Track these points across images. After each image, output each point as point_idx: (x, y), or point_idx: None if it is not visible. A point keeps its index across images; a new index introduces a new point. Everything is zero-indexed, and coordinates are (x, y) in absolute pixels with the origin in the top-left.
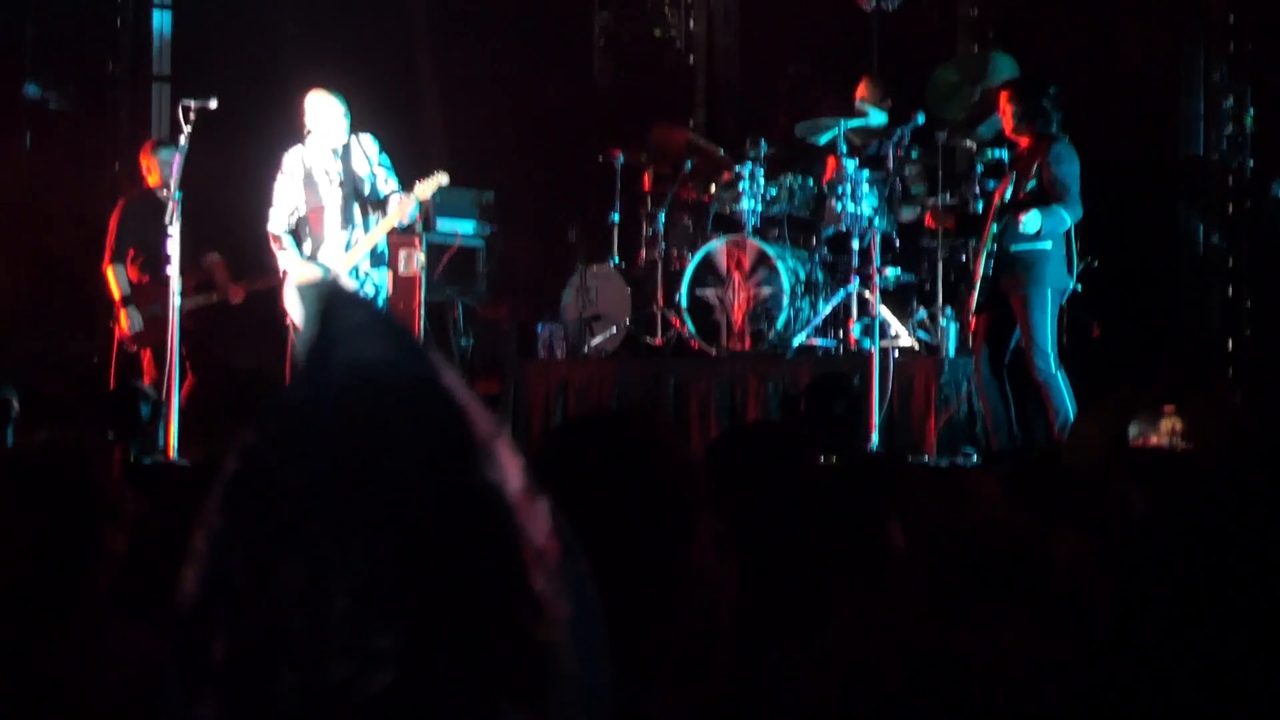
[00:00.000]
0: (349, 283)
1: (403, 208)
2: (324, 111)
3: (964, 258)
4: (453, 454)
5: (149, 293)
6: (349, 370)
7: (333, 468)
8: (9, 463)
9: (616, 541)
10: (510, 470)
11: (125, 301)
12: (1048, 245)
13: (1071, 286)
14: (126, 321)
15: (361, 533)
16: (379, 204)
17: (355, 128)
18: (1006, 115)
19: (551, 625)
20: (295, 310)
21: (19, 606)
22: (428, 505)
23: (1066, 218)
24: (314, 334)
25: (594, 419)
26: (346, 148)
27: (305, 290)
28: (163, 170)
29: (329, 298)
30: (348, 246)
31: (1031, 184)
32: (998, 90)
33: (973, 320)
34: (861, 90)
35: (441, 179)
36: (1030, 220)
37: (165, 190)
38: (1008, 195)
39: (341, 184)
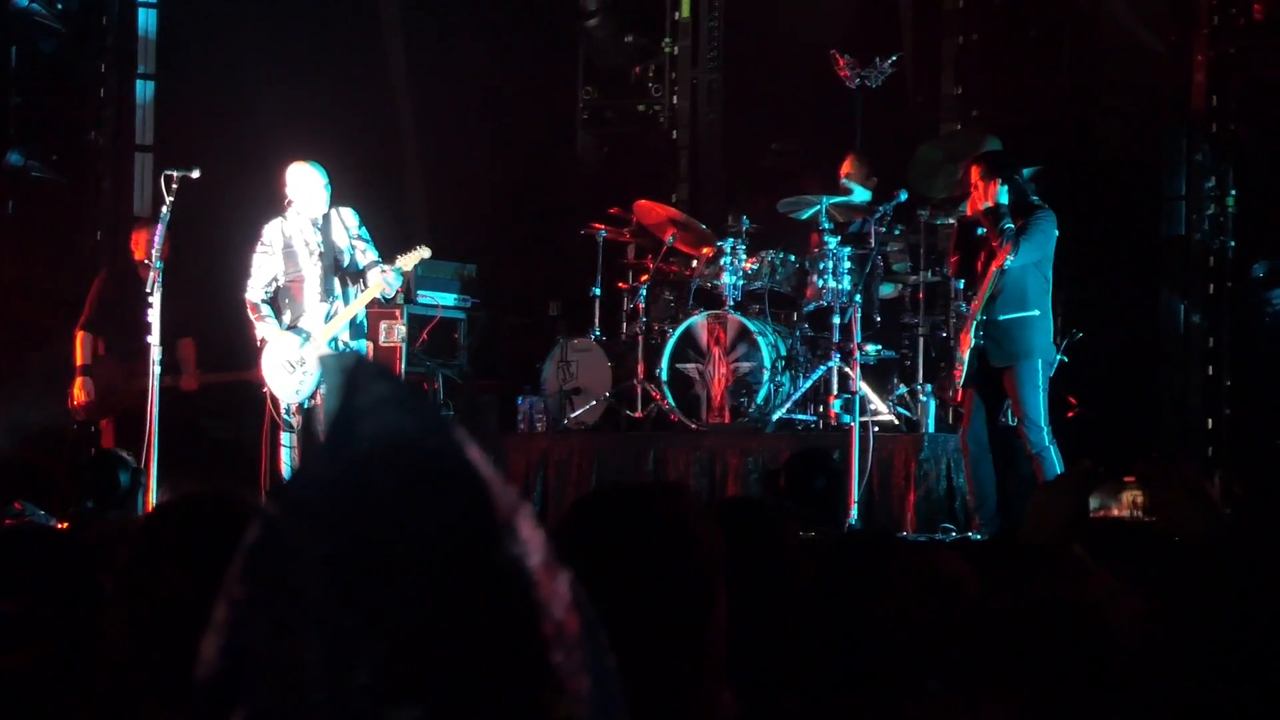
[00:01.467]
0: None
1: (384, 280)
2: (304, 183)
3: (944, 334)
4: (475, 528)
5: (111, 365)
6: (374, 443)
7: (355, 541)
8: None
9: (639, 614)
10: (532, 544)
11: (83, 371)
12: (1036, 312)
13: (1057, 358)
14: (81, 391)
15: (383, 606)
16: (358, 275)
17: (337, 200)
18: (979, 193)
19: (571, 700)
20: (273, 380)
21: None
22: (449, 579)
23: (1016, 243)
24: (338, 406)
25: (620, 491)
26: (326, 219)
27: (326, 362)
28: (147, 245)
29: (352, 371)
30: (327, 318)
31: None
32: (967, 166)
33: (959, 393)
34: (847, 167)
35: (423, 252)
36: (1000, 193)
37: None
38: (1006, 264)
39: (321, 255)
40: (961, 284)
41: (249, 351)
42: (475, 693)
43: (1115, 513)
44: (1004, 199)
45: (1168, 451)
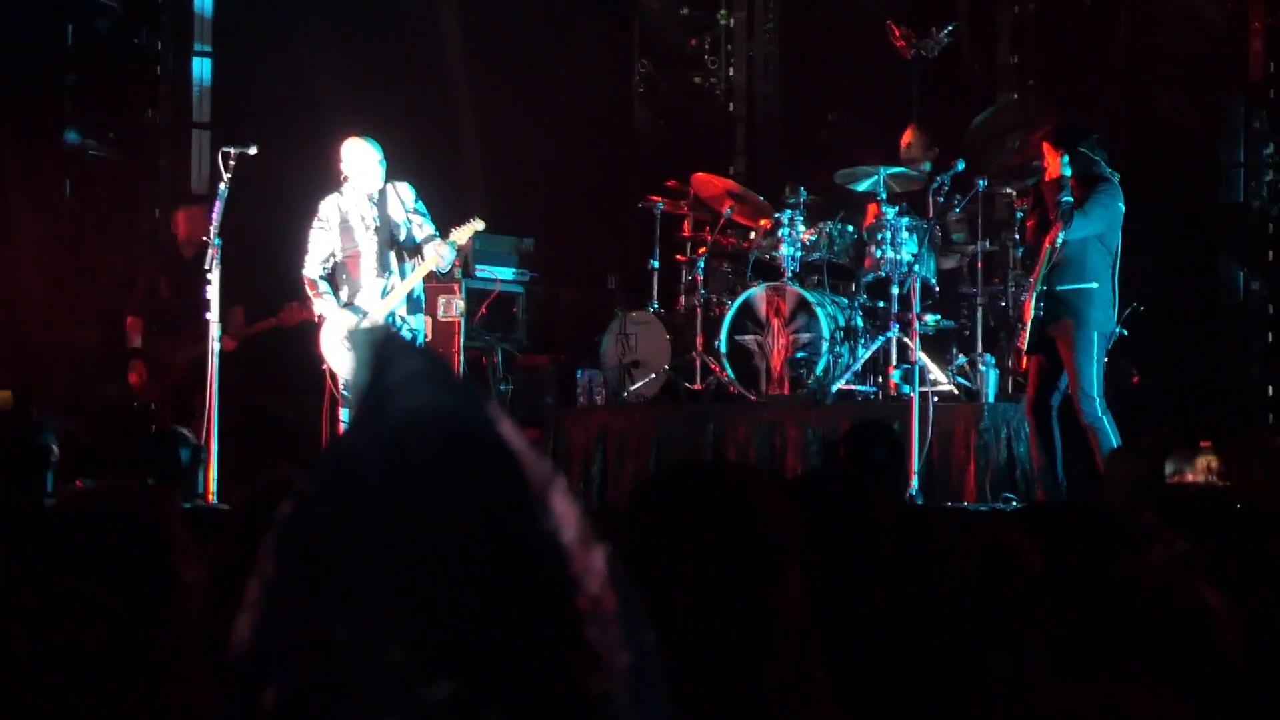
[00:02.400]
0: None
1: (439, 254)
2: (360, 158)
3: (1003, 304)
4: (508, 503)
5: (157, 344)
6: (403, 418)
7: (387, 517)
8: (78, 509)
9: (711, 590)
10: (566, 519)
11: (136, 354)
12: (1094, 284)
13: (1117, 331)
14: (136, 374)
15: (416, 583)
16: (415, 250)
17: (394, 175)
18: (1050, 163)
19: (608, 676)
20: (332, 356)
21: (103, 656)
22: (483, 555)
23: (1069, 217)
24: (367, 382)
25: (690, 468)
26: (383, 194)
27: (357, 337)
28: (189, 224)
29: (382, 345)
30: (384, 293)
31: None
32: (1038, 139)
33: (1024, 360)
34: (907, 138)
35: (477, 224)
36: (1064, 164)
37: (193, 242)
38: (1059, 240)
39: (377, 230)
40: (1021, 252)
41: (279, 302)
42: (510, 669)
43: (1190, 478)
44: (1067, 171)
45: (1243, 418)
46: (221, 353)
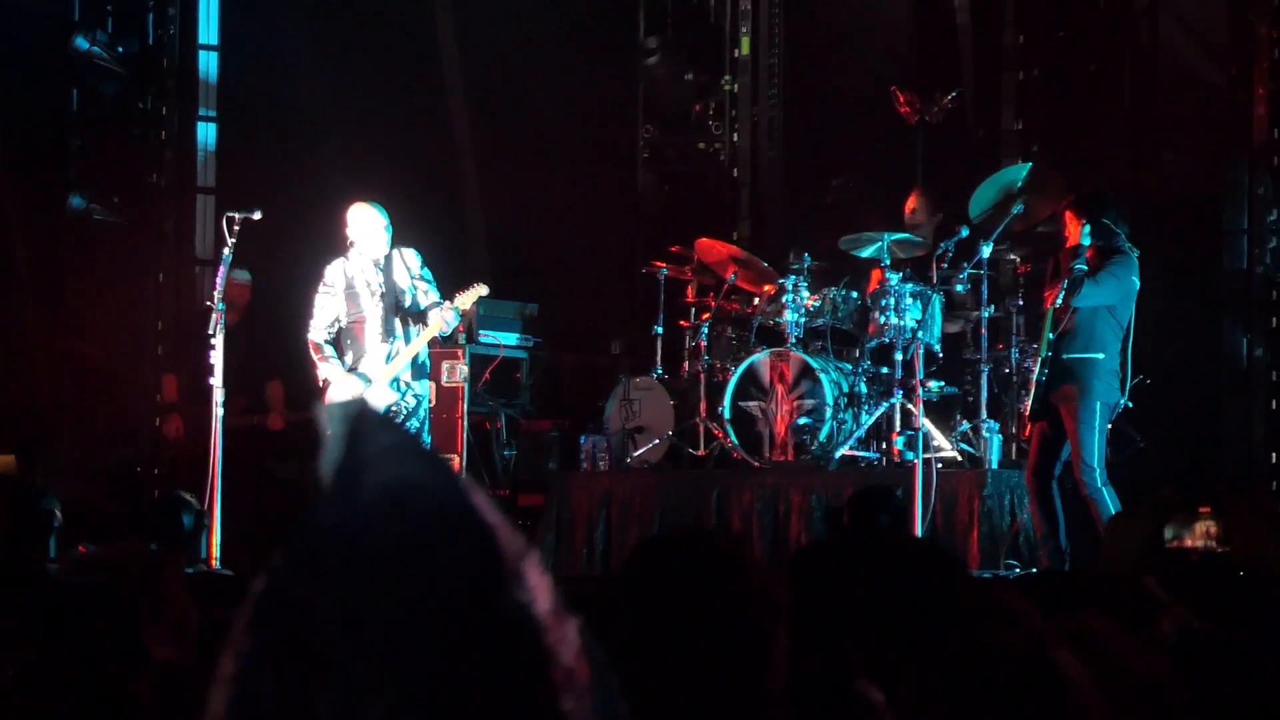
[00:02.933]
0: (389, 397)
1: (442, 318)
2: (366, 224)
3: (1007, 370)
4: (482, 576)
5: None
6: (379, 492)
7: (362, 591)
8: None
9: (700, 658)
10: (539, 591)
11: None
12: (1100, 355)
13: (1122, 402)
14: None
15: (392, 657)
16: (419, 316)
17: (399, 241)
18: (1072, 231)
19: None
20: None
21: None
22: (457, 628)
23: (1077, 286)
24: (342, 456)
25: (681, 537)
26: (388, 259)
27: (333, 411)
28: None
29: (356, 419)
30: (389, 358)
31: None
32: (1063, 206)
33: (1028, 427)
34: (912, 203)
35: (481, 289)
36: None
37: (237, 308)
38: (1058, 301)
39: (383, 296)
40: (1023, 319)
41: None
42: None
43: (1189, 543)
44: (1085, 240)
45: (1243, 483)
46: (268, 430)
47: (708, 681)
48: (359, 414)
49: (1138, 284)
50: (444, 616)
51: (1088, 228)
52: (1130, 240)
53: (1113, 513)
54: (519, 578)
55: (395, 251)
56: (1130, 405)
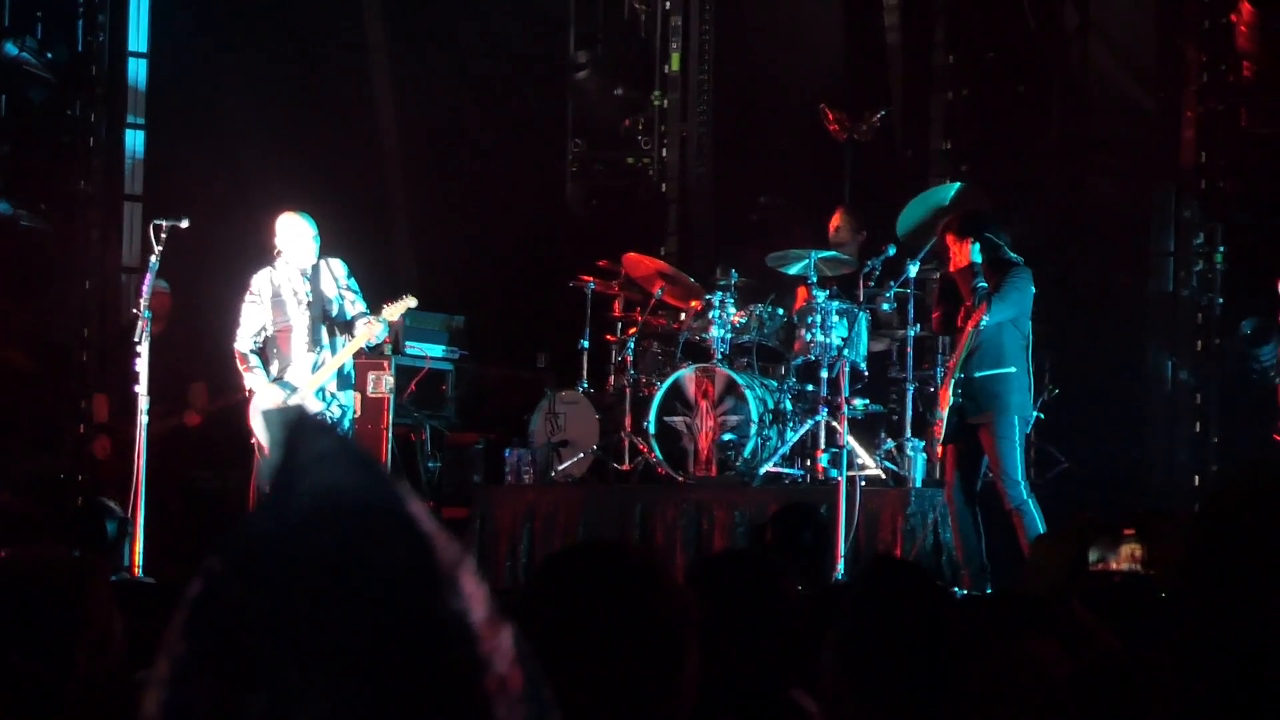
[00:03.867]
0: (314, 407)
1: (369, 330)
2: (294, 233)
3: (932, 389)
4: (417, 583)
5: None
6: (315, 498)
7: (297, 596)
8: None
9: (609, 669)
10: (474, 598)
11: (101, 429)
12: (1012, 369)
13: (1034, 415)
14: (102, 448)
15: (325, 662)
16: (346, 326)
17: (326, 251)
18: (955, 253)
19: None
20: (260, 430)
21: None
22: (392, 634)
23: (999, 307)
24: (279, 461)
25: (590, 547)
26: (315, 269)
27: (271, 416)
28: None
29: (295, 425)
30: (315, 368)
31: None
32: (942, 228)
33: (940, 449)
34: (836, 221)
35: (410, 302)
36: (975, 249)
37: (161, 318)
38: (983, 323)
39: (309, 305)
40: (943, 340)
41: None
42: None
43: (1114, 565)
44: (977, 258)
45: (1167, 506)
46: (185, 428)
47: (616, 694)
48: (296, 420)
49: (1034, 291)
50: (378, 623)
51: (976, 245)
52: (1012, 249)
53: (1038, 524)
54: (454, 585)
55: (322, 261)
56: (1042, 416)
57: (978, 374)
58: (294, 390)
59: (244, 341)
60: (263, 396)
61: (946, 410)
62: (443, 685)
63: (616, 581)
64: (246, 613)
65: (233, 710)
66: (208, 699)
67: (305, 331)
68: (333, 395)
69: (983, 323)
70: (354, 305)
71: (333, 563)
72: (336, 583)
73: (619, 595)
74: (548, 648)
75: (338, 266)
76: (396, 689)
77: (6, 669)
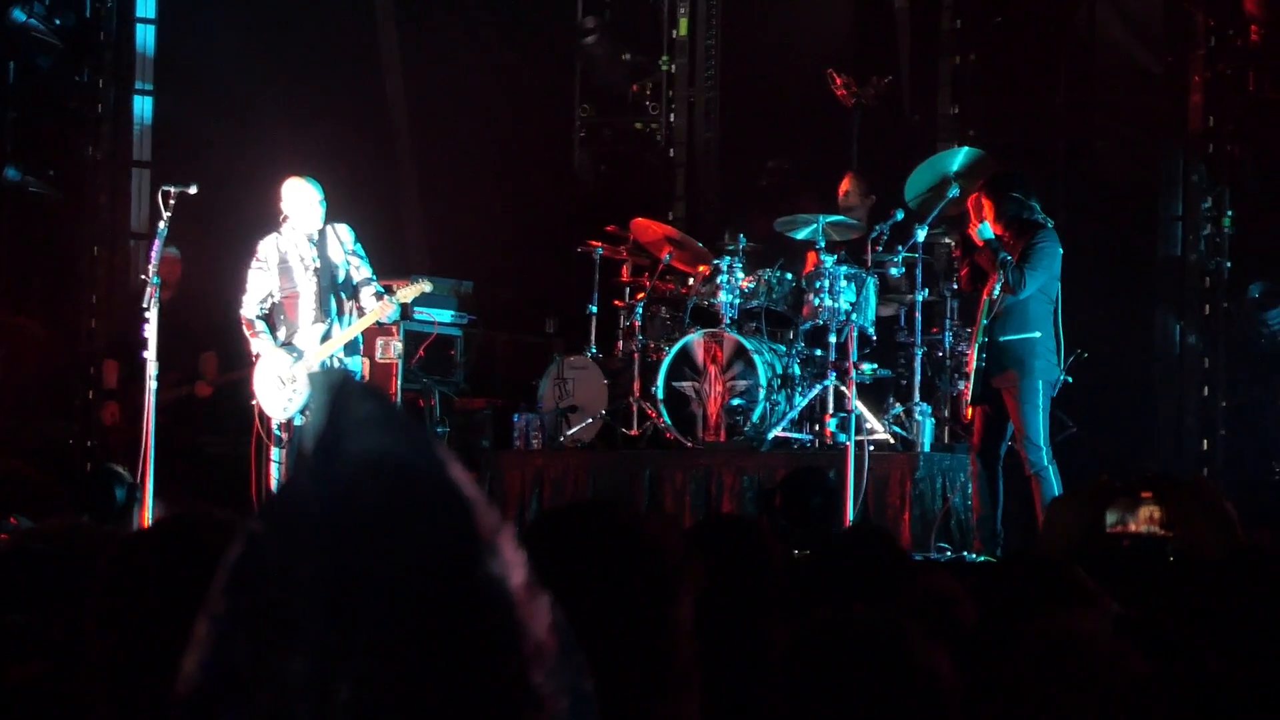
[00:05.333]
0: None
1: (383, 309)
2: (301, 199)
3: (940, 353)
4: (458, 548)
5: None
6: (358, 462)
7: (338, 559)
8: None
9: (602, 625)
10: (514, 565)
11: (110, 395)
12: (1036, 334)
13: (1061, 378)
14: (110, 414)
15: (366, 624)
16: (353, 291)
17: (334, 217)
18: (988, 214)
19: (550, 719)
20: (264, 396)
21: (38, 690)
22: (432, 598)
23: (1018, 276)
24: (323, 424)
25: (579, 506)
26: (323, 235)
27: (314, 379)
28: (168, 267)
29: (338, 389)
30: (324, 338)
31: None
32: (975, 194)
33: (968, 411)
34: (845, 186)
35: (425, 286)
36: (984, 229)
37: (170, 285)
38: (996, 290)
39: (317, 271)
40: (957, 302)
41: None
42: (456, 710)
43: (1132, 528)
44: (988, 234)
45: (1181, 469)
46: (195, 398)
47: (606, 652)
48: (340, 384)
49: (1061, 252)
50: (418, 587)
51: (1003, 209)
52: (1045, 211)
53: (1055, 490)
54: (494, 550)
55: (329, 227)
56: (1069, 380)
57: (1002, 338)
58: (301, 354)
59: (250, 308)
60: (269, 361)
61: (973, 373)
62: (481, 648)
63: (606, 534)
64: (288, 574)
65: (273, 670)
66: (248, 659)
67: (313, 297)
68: (341, 362)
69: (996, 290)
70: (359, 270)
71: (375, 526)
72: (378, 546)
73: (605, 553)
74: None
75: (344, 232)
76: (435, 651)
77: (24, 635)
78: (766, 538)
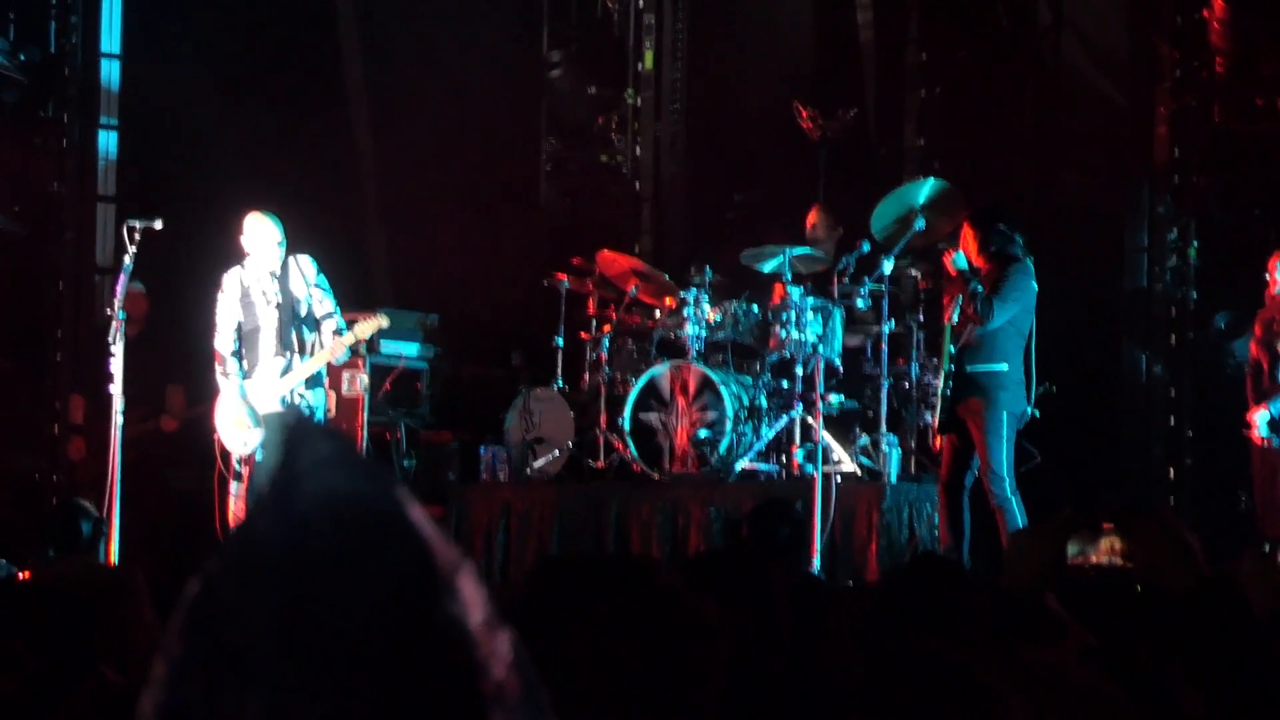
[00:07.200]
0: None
1: (333, 350)
2: (259, 236)
3: (907, 385)
4: (416, 588)
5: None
6: (315, 501)
7: (295, 600)
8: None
9: (625, 690)
10: (473, 604)
11: (76, 430)
12: (1004, 366)
13: (1029, 412)
14: (76, 450)
15: (323, 666)
16: (315, 325)
17: (298, 249)
18: (969, 243)
19: None
20: (225, 432)
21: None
22: (389, 638)
23: (988, 308)
24: (279, 464)
25: (592, 560)
26: (285, 268)
27: (269, 420)
28: (133, 302)
29: (293, 428)
30: (283, 372)
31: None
32: (961, 219)
33: (936, 440)
34: (813, 218)
35: (381, 321)
36: (959, 259)
37: (135, 320)
38: (955, 317)
39: (279, 306)
40: (923, 335)
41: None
42: None
43: (1093, 559)
44: (962, 264)
45: (1144, 500)
46: (161, 433)
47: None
48: (296, 423)
49: (1035, 288)
50: (376, 627)
51: (980, 239)
52: (1026, 248)
53: (1019, 523)
54: (452, 590)
55: (291, 259)
56: (1037, 414)
57: (969, 368)
58: (254, 411)
59: (224, 341)
60: (229, 396)
61: (939, 401)
62: (440, 690)
63: (645, 602)
64: (244, 615)
65: (229, 713)
66: (204, 701)
67: (274, 333)
68: (301, 396)
69: (968, 323)
70: (322, 304)
71: (332, 566)
72: (335, 586)
73: (636, 608)
74: (544, 666)
75: (306, 264)
76: (394, 693)
77: (23, 676)
78: (768, 571)
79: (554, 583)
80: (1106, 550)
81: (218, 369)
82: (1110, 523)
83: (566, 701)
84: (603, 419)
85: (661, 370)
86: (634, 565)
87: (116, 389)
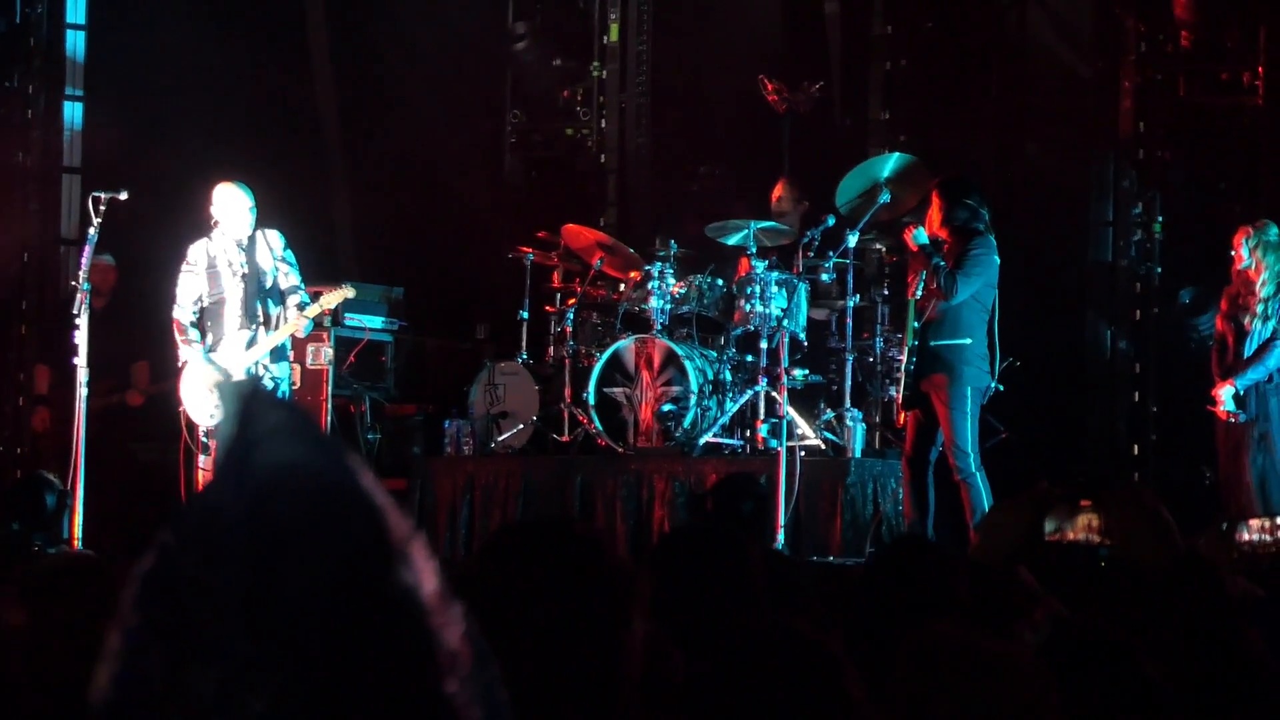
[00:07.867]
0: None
1: (296, 324)
2: (230, 204)
3: (871, 359)
4: (368, 558)
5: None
6: (269, 472)
7: (250, 570)
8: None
9: (554, 641)
10: (425, 573)
11: (41, 401)
12: (967, 340)
13: (992, 386)
14: (40, 421)
15: (278, 635)
16: (281, 298)
17: (265, 222)
18: (934, 213)
19: None
20: (191, 403)
21: None
22: (343, 609)
23: (950, 282)
24: (232, 435)
25: (534, 524)
26: (252, 240)
27: (224, 389)
28: (99, 274)
29: (248, 399)
30: (248, 344)
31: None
32: (929, 190)
33: (900, 415)
34: (778, 192)
35: (347, 292)
36: (919, 234)
37: (102, 293)
38: (918, 292)
39: (244, 277)
40: (888, 309)
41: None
42: None
43: (1071, 536)
44: (922, 239)
45: (1118, 476)
46: (128, 407)
47: (560, 669)
48: (251, 394)
49: (998, 262)
50: (330, 597)
51: (946, 210)
52: (990, 224)
53: (984, 497)
54: (405, 559)
55: (259, 232)
56: (1000, 388)
57: (933, 343)
58: (226, 372)
59: (183, 312)
60: (195, 371)
61: (903, 376)
62: (394, 658)
63: (561, 556)
64: (199, 586)
65: (185, 683)
66: (160, 672)
67: (239, 304)
68: (266, 369)
69: (951, 301)
70: (288, 278)
71: (286, 537)
72: (290, 556)
73: (563, 570)
74: (491, 623)
75: (274, 238)
76: (349, 661)
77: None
78: (745, 546)
79: (497, 549)
80: (1084, 527)
81: (179, 339)
82: (1088, 499)
83: (508, 651)
84: (567, 393)
85: (626, 344)
86: (554, 524)
87: (81, 361)
